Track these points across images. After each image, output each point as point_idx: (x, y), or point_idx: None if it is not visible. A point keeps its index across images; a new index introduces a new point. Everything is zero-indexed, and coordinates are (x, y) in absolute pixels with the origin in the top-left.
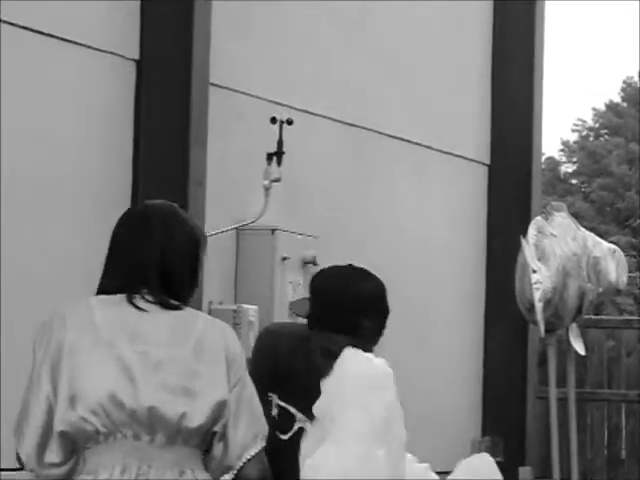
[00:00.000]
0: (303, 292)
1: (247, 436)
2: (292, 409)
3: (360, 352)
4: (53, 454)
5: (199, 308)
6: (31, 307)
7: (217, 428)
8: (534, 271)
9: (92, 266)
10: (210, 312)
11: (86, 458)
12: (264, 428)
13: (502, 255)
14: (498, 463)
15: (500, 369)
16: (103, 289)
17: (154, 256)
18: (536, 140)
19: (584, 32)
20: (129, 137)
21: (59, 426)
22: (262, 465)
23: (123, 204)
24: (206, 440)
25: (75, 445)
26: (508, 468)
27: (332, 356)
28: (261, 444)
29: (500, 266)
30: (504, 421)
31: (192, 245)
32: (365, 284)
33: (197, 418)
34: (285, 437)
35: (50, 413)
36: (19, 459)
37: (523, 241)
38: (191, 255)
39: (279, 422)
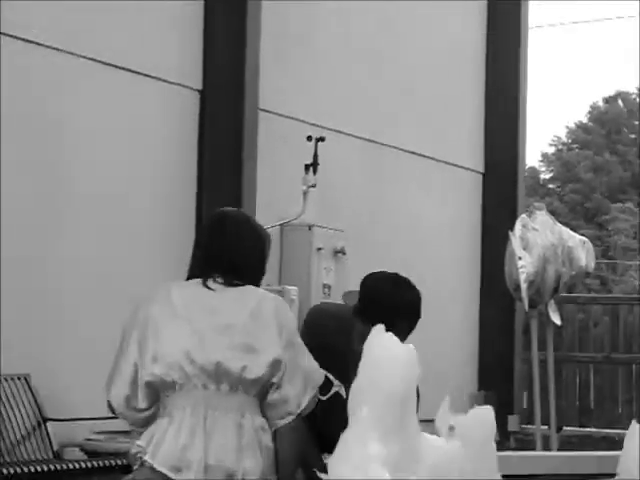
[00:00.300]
0: (334, 277)
1: (301, 388)
2: (331, 376)
3: (385, 334)
4: (140, 401)
5: None
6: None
7: (274, 380)
8: (520, 258)
9: (162, 267)
10: None
11: (165, 405)
12: (315, 381)
13: (494, 246)
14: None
15: (492, 337)
16: (188, 278)
17: (226, 251)
18: (521, 153)
19: (557, 64)
20: (194, 155)
21: (145, 377)
22: (298, 434)
23: (189, 214)
24: (263, 391)
25: (157, 394)
26: (499, 417)
27: None
28: (313, 392)
29: (492, 255)
30: (496, 379)
31: (259, 243)
32: (407, 293)
33: (255, 371)
34: (324, 398)
35: (136, 370)
36: (110, 407)
37: (511, 234)
38: (258, 251)
39: (320, 385)
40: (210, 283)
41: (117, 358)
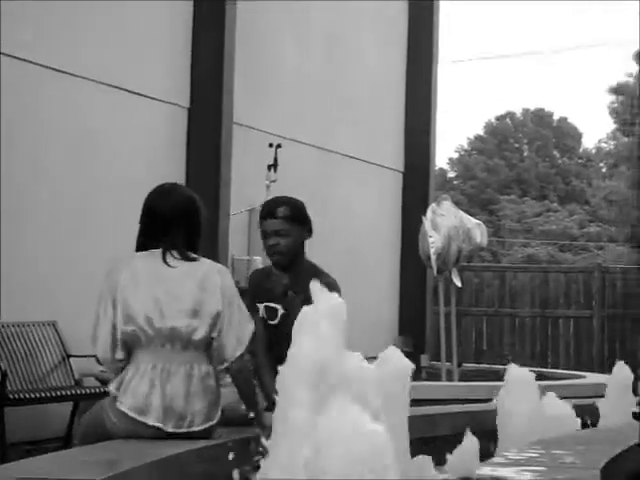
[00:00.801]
0: None
1: (235, 342)
2: (274, 305)
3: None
4: (120, 353)
5: (225, 260)
6: None
7: (214, 334)
8: (430, 237)
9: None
10: (233, 261)
11: (134, 357)
12: (246, 337)
13: (411, 228)
14: (409, 352)
15: (410, 295)
16: (142, 248)
17: (180, 224)
18: (432, 157)
19: (460, 90)
20: (183, 158)
21: (120, 335)
22: (243, 365)
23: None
24: (208, 345)
25: (130, 349)
26: (414, 355)
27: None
28: (243, 347)
29: (410, 234)
30: (412, 327)
31: (193, 206)
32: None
33: (200, 332)
34: (274, 322)
35: (114, 328)
36: (96, 358)
37: (424, 219)
38: (198, 222)
39: (268, 316)
40: (168, 257)
41: (98, 318)
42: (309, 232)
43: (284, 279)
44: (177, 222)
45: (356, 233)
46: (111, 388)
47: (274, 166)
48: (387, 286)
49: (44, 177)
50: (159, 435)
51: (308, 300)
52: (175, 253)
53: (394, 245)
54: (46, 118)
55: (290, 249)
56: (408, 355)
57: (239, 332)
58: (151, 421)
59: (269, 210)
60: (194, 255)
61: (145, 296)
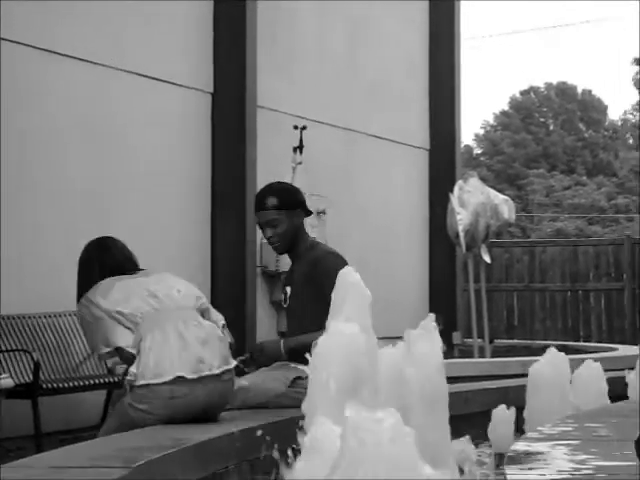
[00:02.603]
0: (317, 232)
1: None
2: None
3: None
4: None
5: (254, 244)
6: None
7: (203, 308)
8: (458, 213)
9: (181, 232)
10: (261, 246)
11: (142, 334)
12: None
13: (439, 205)
14: (440, 330)
15: (440, 273)
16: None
17: (127, 254)
18: (458, 134)
19: (485, 66)
20: (209, 143)
21: (129, 321)
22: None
23: (206, 190)
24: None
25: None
26: (445, 333)
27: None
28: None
29: (438, 212)
30: (443, 304)
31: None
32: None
33: (191, 302)
34: (285, 305)
35: (120, 316)
36: (119, 356)
37: (451, 196)
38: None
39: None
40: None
41: (94, 330)
42: (305, 213)
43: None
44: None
45: (383, 212)
46: (132, 370)
47: (299, 148)
48: (416, 264)
49: (69, 166)
50: (180, 393)
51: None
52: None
53: (422, 223)
54: (71, 106)
55: (286, 236)
56: (439, 333)
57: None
58: (169, 376)
59: (258, 202)
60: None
61: (124, 283)
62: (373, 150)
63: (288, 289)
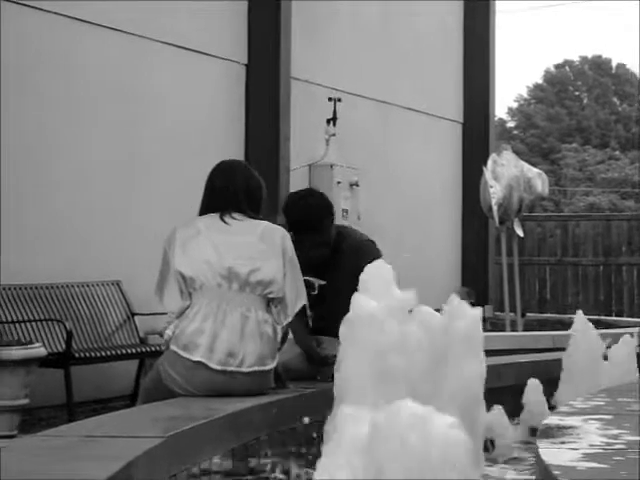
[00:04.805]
0: (350, 203)
1: (295, 298)
2: (310, 278)
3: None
4: (185, 301)
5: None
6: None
7: (275, 289)
8: (491, 187)
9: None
10: None
11: (192, 299)
12: (304, 296)
13: (472, 178)
14: (471, 303)
15: (472, 246)
16: (200, 214)
17: (240, 191)
18: (491, 107)
19: (520, 39)
20: (242, 115)
21: (181, 282)
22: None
23: (241, 143)
24: (265, 293)
25: (191, 295)
26: (477, 306)
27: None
28: (302, 303)
29: (471, 185)
30: (475, 278)
31: (259, 184)
32: (319, 201)
33: (258, 276)
34: (315, 292)
35: (177, 275)
36: (165, 307)
37: (484, 169)
38: (259, 191)
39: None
40: (226, 217)
41: (162, 271)
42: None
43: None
44: (237, 197)
45: (416, 185)
46: (168, 332)
47: (333, 120)
48: (449, 238)
49: (103, 136)
50: (208, 376)
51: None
52: (234, 214)
53: (455, 196)
54: (106, 77)
55: (330, 244)
56: (472, 306)
57: (299, 289)
58: (196, 356)
59: (305, 222)
60: (249, 215)
61: (203, 243)
62: (406, 122)
63: (314, 279)
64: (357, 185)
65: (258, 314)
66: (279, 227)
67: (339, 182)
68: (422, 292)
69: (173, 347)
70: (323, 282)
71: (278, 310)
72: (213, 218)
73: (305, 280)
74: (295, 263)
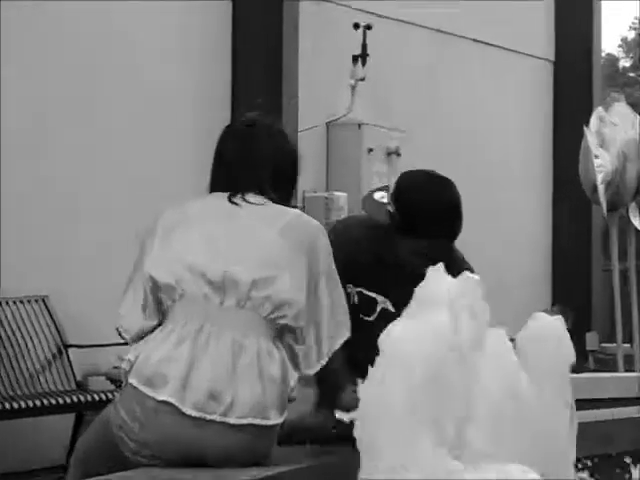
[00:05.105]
0: (386, 181)
1: (331, 330)
2: (373, 294)
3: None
4: (154, 317)
5: (294, 198)
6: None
7: (296, 321)
8: (596, 156)
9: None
10: (304, 200)
11: (168, 315)
12: (347, 323)
13: (567, 143)
14: (568, 330)
15: (567, 245)
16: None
17: (258, 168)
18: (596, 38)
19: None
20: (228, 48)
21: (154, 290)
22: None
23: (225, 107)
24: (277, 316)
25: (161, 303)
26: (575, 334)
27: (425, 257)
28: (343, 338)
29: (566, 153)
30: (571, 292)
31: (291, 159)
32: (452, 193)
33: (269, 289)
34: (370, 318)
35: (149, 280)
36: (119, 331)
37: (586, 130)
38: (290, 168)
39: (360, 306)
40: (236, 198)
41: (132, 274)
42: None
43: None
44: (256, 173)
45: (485, 155)
46: (129, 357)
47: (362, 57)
48: (533, 232)
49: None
50: (177, 425)
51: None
52: (250, 195)
53: (542, 170)
54: None
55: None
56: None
57: (339, 318)
58: (162, 395)
59: (443, 220)
60: (269, 200)
61: (195, 234)
62: (470, 60)
63: (379, 297)
64: (398, 154)
65: (260, 343)
66: (314, 221)
67: (371, 149)
68: (494, 306)
69: (132, 380)
70: (385, 299)
71: (300, 357)
72: (218, 199)
73: (362, 294)
74: (334, 278)
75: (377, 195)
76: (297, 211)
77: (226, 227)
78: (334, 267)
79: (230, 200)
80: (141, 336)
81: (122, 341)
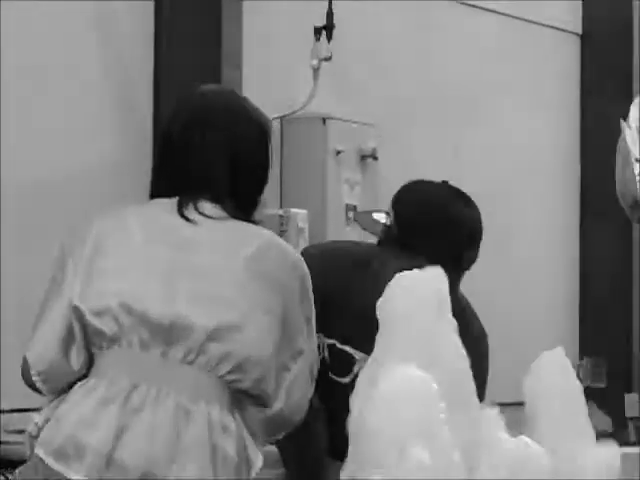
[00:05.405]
0: (361, 193)
1: (304, 391)
2: (349, 349)
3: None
4: (76, 358)
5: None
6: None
7: (249, 376)
8: (637, 160)
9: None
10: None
11: (93, 367)
12: (306, 400)
13: (599, 142)
14: (600, 390)
15: (600, 277)
16: (157, 194)
17: (222, 154)
18: (637, 6)
19: None
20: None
21: (79, 325)
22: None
23: (147, 87)
24: (235, 380)
25: (92, 355)
26: (612, 395)
27: None
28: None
29: (597, 155)
30: (606, 339)
31: (262, 137)
32: (473, 212)
33: (230, 342)
34: (346, 380)
35: (73, 309)
36: (24, 372)
37: (624, 124)
38: (262, 149)
39: (333, 364)
40: (188, 210)
41: (48, 294)
42: None
43: None
44: (211, 171)
45: (489, 152)
46: (37, 420)
47: (327, 29)
48: (553, 259)
49: None
50: None
51: None
52: (205, 204)
53: (566, 177)
54: None
55: None
56: (601, 394)
57: (302, 389)
58: (76, 473)
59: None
60: (231, 211)
61: (136, 258)
62: (473, 33)
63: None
64: (374, 157)
65: (212, 413)
66: (290, 247)
67: (339, 152)
68: (511, 365)
69: (39, 451)
70: (362, 355)
71: (266, 423)
72: (164, 208)
73: (333, 347)
74: (312, 327)
75: (376, 215)
76: (269, 233)
77: (176, 253)
78: (314, 316)
79: (180, 212)
80: (58, 384)
81: (13, 407)
